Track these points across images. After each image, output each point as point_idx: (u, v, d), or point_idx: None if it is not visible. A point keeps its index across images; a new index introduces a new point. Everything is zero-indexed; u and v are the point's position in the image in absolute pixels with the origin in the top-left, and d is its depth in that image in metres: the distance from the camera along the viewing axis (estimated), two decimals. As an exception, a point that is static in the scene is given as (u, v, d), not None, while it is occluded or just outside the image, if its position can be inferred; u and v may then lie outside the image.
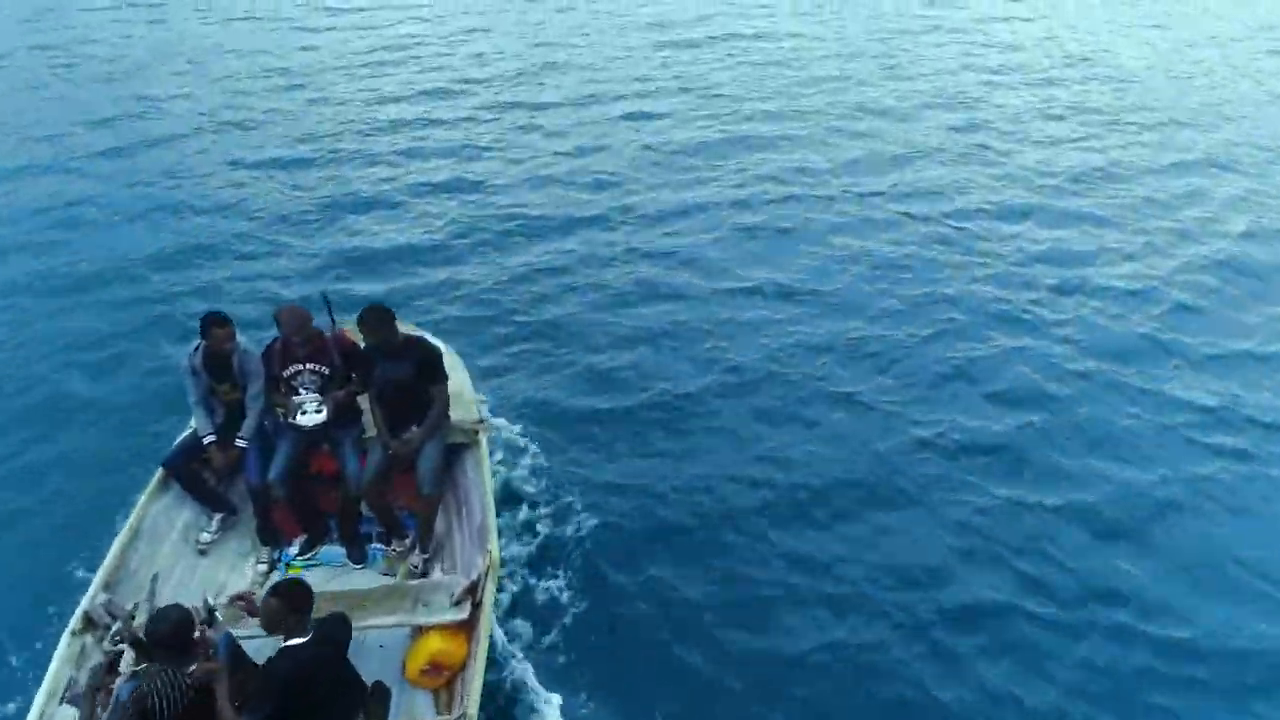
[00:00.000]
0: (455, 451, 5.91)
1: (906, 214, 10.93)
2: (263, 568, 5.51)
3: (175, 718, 3.57)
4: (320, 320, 5.85)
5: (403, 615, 4.75)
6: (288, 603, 3.83)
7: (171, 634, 3.67)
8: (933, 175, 11.94)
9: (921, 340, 8.49)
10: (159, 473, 5.55)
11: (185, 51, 17.81)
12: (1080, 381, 7.95)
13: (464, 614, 4.68)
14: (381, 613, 4.74)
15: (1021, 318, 8.90)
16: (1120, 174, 12.08)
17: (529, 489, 6.65)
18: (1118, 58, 17.03)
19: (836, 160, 12.36)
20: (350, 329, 5.57)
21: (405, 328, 6.41)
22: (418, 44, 18.22)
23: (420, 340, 5.50)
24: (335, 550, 5.64)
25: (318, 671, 3.83)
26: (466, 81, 15.80)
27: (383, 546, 5.65)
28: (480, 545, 5.18)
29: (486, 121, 13.84)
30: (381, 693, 4.27)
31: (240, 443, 5.44)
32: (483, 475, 5.63)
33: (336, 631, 3.99)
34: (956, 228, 10.63)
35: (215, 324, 5.24)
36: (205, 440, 5.45)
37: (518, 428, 7.20)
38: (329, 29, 19.47)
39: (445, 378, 5.44)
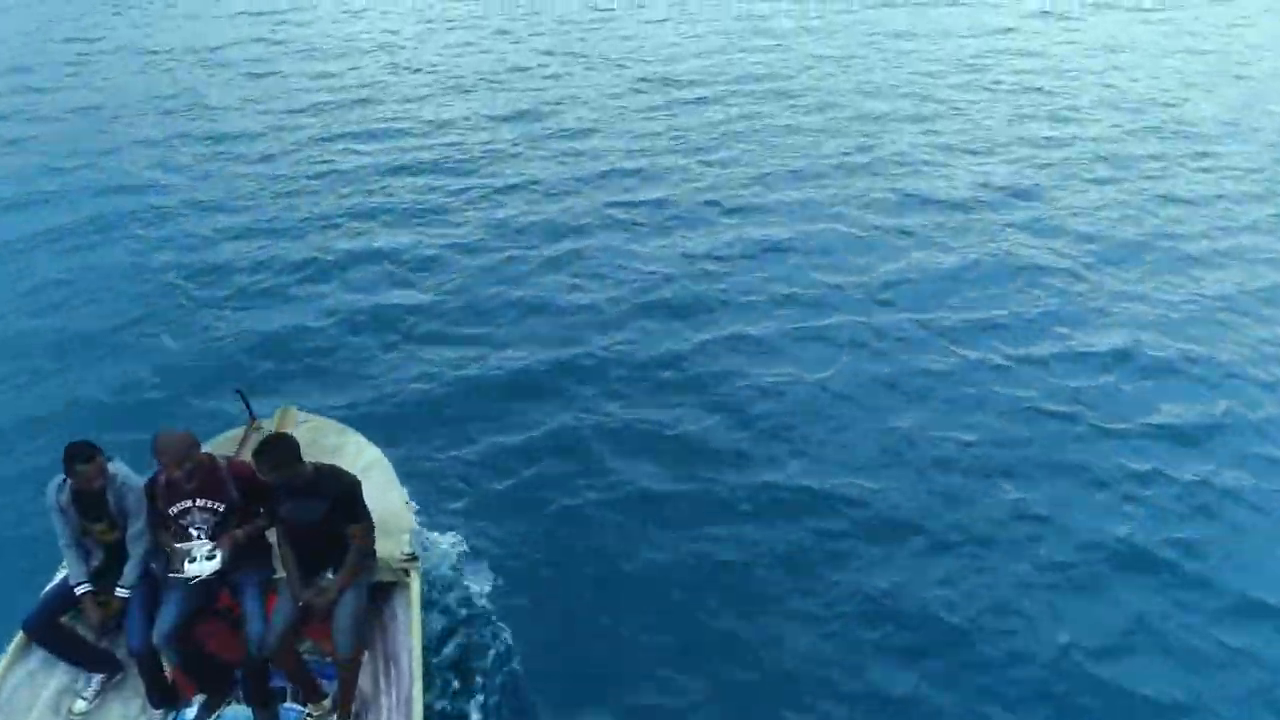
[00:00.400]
0: (382, 591, 5.15)
1: (966, 356, 8.50)
2: None
3: None
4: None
5: None
6: None
7: None
8: (996, 298, 9.47)
9: (1015, 589, 6.05)
10: (18, 637, 4.67)
11: (110, 103, 15.48)
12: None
13: None
14: None
15: (1142, 544, 6.44)
16: (1241, 301, 9.52)
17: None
18: (1200, 123, 14.40)
19: (875, 272, 9.90)
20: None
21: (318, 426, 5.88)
22: (380, 98, 15.83)
23: (333, 471, 4.61)
24: (241, 711, 4.71)
25: None
26: (426, 149, 13.41)
27: (297, 707, 4.74)
28: None
29: (444, 215, 11.41)
30: None
31: (121, 592, 4.65)
32: (412, 625, 4.81)
33: None
34: (1036, 378, 8.17)
35: (79, 459, 4.37)
36: (78, 590, 4.64)
37: None
38: (278, 74, 17.12)
39: (366, 514, 4.66)
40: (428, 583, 5.51)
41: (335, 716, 4.61)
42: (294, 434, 4.82)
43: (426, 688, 4.65)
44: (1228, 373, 8.39)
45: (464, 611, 5.67)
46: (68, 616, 4.73)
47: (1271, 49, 19.37)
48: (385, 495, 5.30)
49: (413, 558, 5.09)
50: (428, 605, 5.33)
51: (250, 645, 4.53)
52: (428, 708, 4.58)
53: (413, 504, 5.79)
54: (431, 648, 5.20)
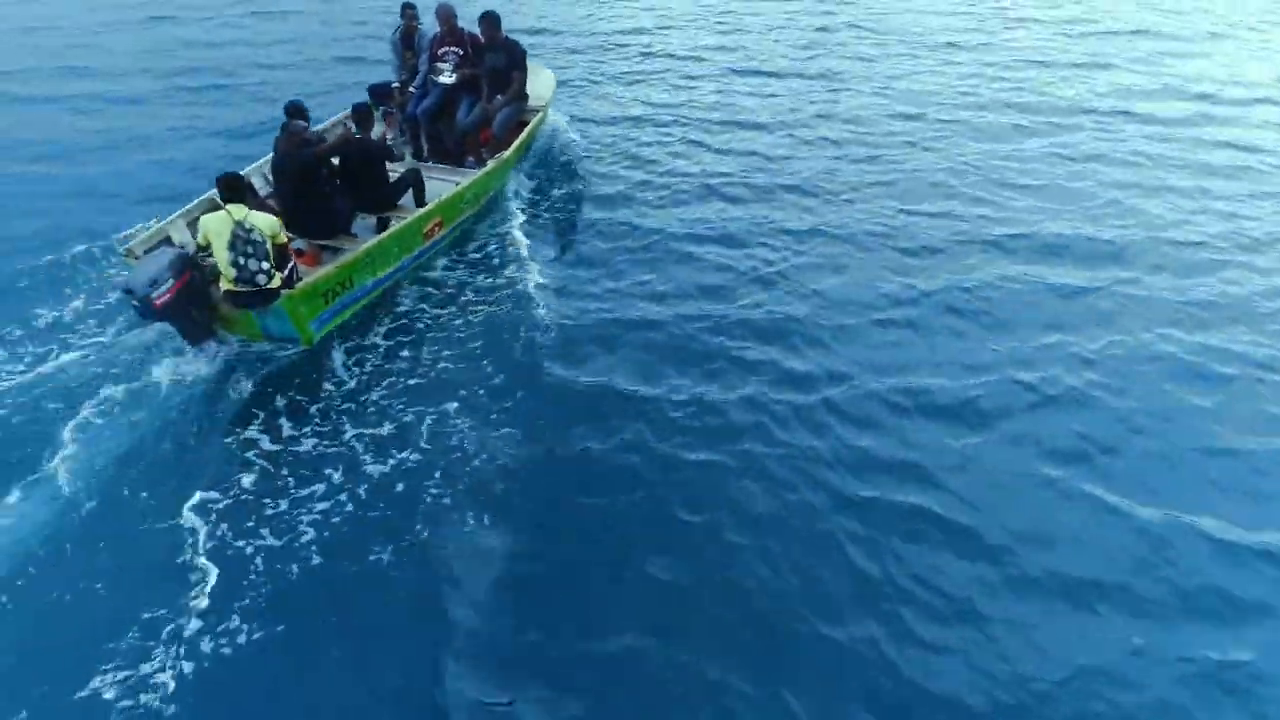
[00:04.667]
0: (523, 124, 9.39)
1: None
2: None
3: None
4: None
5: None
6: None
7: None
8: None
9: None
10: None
11: None
12: None
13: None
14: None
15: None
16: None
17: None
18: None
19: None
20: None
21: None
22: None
23: (513, 41, 9.17)
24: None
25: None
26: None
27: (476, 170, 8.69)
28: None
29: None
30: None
31: (411, 88, 9.39)
32: (528, 130, 9.31)
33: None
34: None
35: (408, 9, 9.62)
36: (393, 85, 9.59)
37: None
38: None
39: (524, 68, 9.20)
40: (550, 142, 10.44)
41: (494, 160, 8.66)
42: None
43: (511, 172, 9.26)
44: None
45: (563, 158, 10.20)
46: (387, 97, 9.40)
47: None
48: (544, 83, 10.38)
49: (540, 109, 9.79)
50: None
51: (459, 124, 9.14)
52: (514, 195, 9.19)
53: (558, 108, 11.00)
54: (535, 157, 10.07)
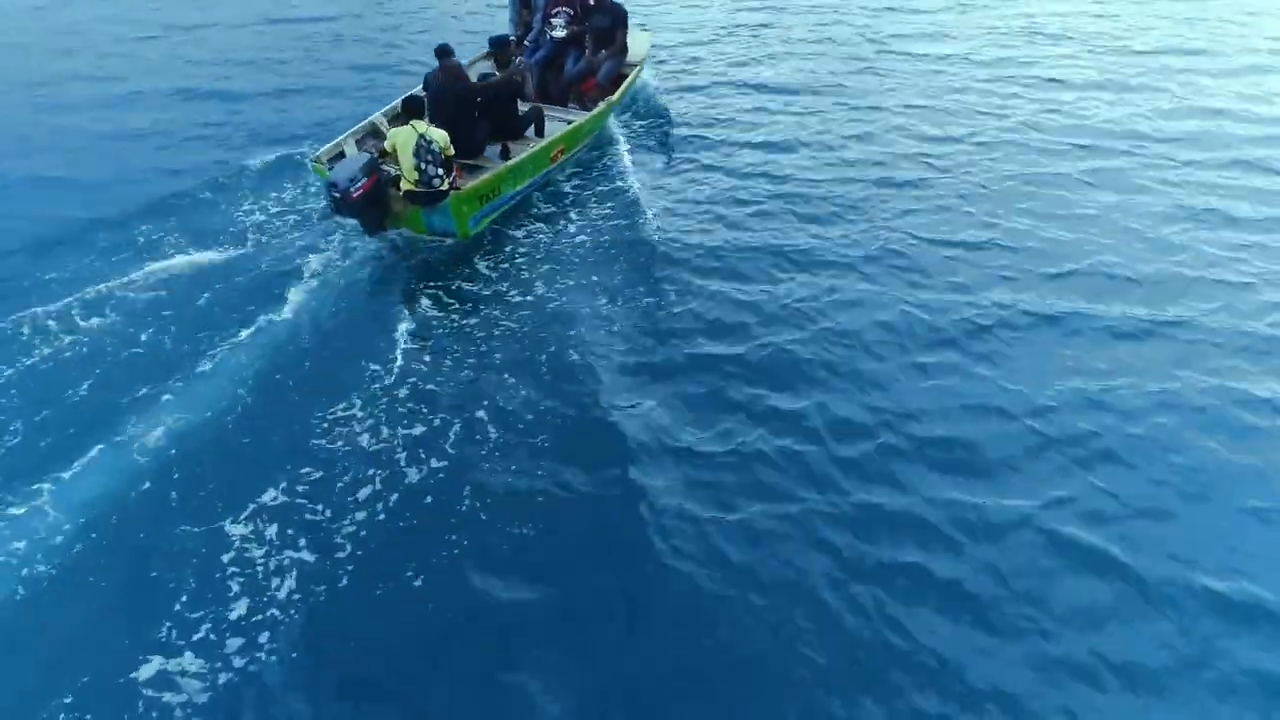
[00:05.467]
0: (622, 77, 11.04)
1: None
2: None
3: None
4: None
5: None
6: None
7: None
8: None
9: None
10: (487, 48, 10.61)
11: None
12: None
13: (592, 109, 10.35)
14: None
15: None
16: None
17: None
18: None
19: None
20: None
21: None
22: None
23: (617, 4, 10.99)
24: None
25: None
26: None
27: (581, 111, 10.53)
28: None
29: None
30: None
31: (525, 42, 11.20)
32: (629, 81, 10.94)
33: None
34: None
35: None
36: (510, 39, 10.34)
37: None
38: None
39: (626, 29, 11.04)
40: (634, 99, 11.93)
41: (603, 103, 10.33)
42: None
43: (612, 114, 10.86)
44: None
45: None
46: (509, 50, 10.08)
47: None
48: (642, 45, 11.90)
49: (638, 66, 11.31)
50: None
51: (566, 75, 10.84)
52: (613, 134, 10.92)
53: (655, 60, 13.26)
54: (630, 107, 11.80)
